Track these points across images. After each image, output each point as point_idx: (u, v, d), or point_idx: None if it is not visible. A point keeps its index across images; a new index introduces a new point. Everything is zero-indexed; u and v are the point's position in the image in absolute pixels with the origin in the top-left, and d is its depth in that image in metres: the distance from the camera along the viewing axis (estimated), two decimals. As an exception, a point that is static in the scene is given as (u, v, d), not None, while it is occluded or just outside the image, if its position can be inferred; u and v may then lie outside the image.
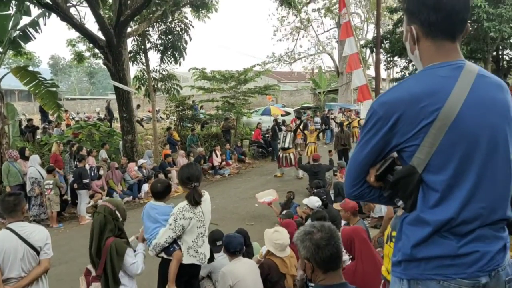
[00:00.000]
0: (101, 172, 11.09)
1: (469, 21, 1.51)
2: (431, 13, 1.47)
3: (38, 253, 3.36)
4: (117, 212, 3.42)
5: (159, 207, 3.63)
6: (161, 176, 12.09)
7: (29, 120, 16.22)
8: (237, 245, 3.90)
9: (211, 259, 3.83)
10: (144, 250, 3.54)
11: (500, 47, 14.74)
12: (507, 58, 15.97)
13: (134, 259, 3.36)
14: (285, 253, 3.92)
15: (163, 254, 3.53)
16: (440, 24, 1.47)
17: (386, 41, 16.65)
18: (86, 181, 9.60)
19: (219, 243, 4.38)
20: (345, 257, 4.11)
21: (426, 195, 1.46)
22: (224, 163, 14.64)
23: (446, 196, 1.43)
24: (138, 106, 19.50)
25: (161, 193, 3.68)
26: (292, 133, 12.66)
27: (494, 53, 14.82)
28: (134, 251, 3.47)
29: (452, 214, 1.41)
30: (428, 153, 1.43)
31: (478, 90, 1.45)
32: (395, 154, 1.54)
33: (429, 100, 1.41)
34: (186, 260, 3.49)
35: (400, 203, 1.53)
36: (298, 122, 18.47)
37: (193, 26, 15.09)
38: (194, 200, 3.41)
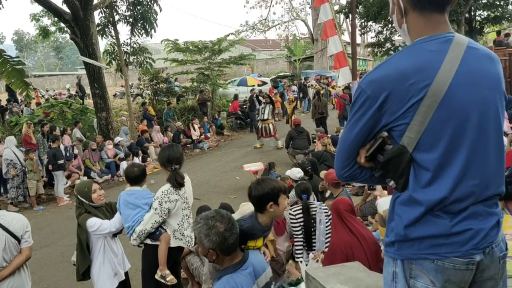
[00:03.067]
0: (76, 151, 10.84)
1: None
2: None
3: (19, 241, 3.27)
4: (79, 196, 3.56)
5: (137, 191, 3.54)
6: (140, 153, 11.95)
7: (-4, 101, 15.61)
8: None
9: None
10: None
11: (473, 8, 14.82)
12: (479, 19, 16.09)
13: (95, 226, 3.44)
14: None
15: (147, 240, 3.44)
16: None
17: (361, 6, 16.48)
18: (61, 162, 9.37)
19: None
20: None
21: (418, 174, 1.44)
22: (202, 136, 14.50)
23: (438, 175, 1.40)
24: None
25: (138, 177, 3.58)
26: (271, 105, 12.60)
27: (467, 15, 14.90)
28: None
29: (444, 193, 1.39)
30: (418, 132, 1.39)
31: (468, 64, 1.41)
32: (385, 134, 1.51)
33: (418, 77, 1.37)
34: (172, 243, 3.44)
35: (392, 183, 1.51)
36: (275, 92, 18.37)
37: (162, -4, 14.56)
38: (177, 182, 3.33)
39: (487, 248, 1.42)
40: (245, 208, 4.14)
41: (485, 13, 15.84)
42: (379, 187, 5.36)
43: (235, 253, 2.24)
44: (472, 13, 15.49)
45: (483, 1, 14.31)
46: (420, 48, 1.43)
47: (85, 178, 10.43)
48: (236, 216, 4.15)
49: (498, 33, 15.23)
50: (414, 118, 1.39)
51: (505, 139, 5.75)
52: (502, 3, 14.57)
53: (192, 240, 3.58)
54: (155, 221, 3.32)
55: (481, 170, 1.42)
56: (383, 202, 3.12)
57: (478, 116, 1.41)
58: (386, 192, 4.92)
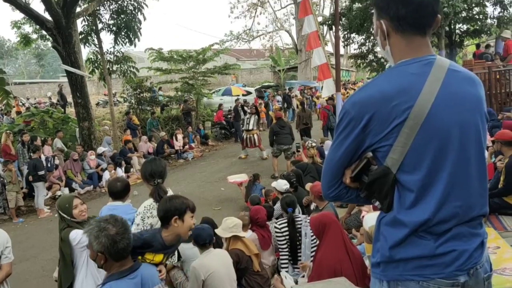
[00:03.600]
0: (57, 161, 10.64)
1: None
2: (400, 7, 1.45)
3: None
4: (60, 212, 3.44)
5: (119, 207, 3.47)
6: (123, 163, 11.79)
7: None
8: (206, 236, 3.80)
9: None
10: None
11: (453, 22, 15.12)
12: (459, 32, 16.42)
13: (78, 237, 3.30)
14: (246, 233, 3.95)
15: None
16: (409, 18, 1.45)
17: (344, 18, 16.67)
18: (42, 172, 9.18)
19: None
20: None
21: (402, 195, 1.45)
22: (187, 146, 14.39)
23: (421, 196, 1.42)
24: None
25: (121, 192, 3.52)
26: (256, 116, 12.61)
27: (447, 28, 15.20)
28: None
29: (428, 214, 1.40)
30: (401, 153, 1.41)
31: (449, 86, 1.44)
32: (370, 154, 1.52)
33: (401, 99, 1.40)
34: None
35: (377, 203, 1.52)
36: (260, 102, 18.41)
37: (146, 5, 14.48)
38: (160, 197, 3.26)
39: (471, 269, 1.43)
40: (229, 223, 4.10)
41: (465, 27, 16.18)
42: (366, 202, 5.39)
43: (125, 261, 2.17)
44: (452, 27, 15.80)
45: (463, 15, 14.60)
46: (402, 70, 1.46)
47: (67, 189, 10.25)
48: (219, 232, 4.15)
49: (478, 46, 15.57)
50: (397, 140, 1.41)
51: (486, 152, 5.86)
52: (481, 17, 14.91)
53: (175, 257, 3.53)
54: None
55: (464, 191, 1.44)
56: (369, 218, 3.14)
57: (459, 138, 1.43)
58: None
